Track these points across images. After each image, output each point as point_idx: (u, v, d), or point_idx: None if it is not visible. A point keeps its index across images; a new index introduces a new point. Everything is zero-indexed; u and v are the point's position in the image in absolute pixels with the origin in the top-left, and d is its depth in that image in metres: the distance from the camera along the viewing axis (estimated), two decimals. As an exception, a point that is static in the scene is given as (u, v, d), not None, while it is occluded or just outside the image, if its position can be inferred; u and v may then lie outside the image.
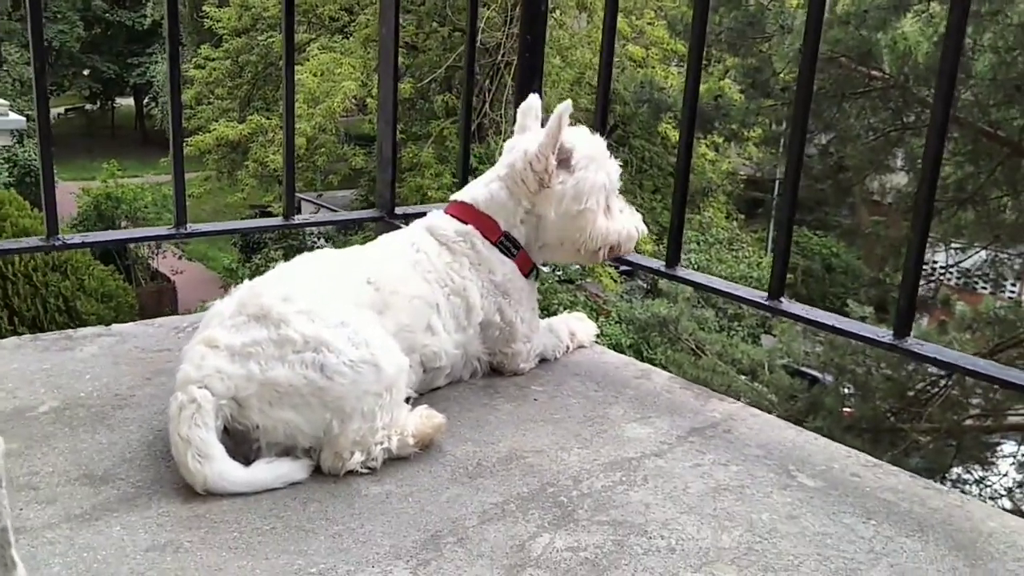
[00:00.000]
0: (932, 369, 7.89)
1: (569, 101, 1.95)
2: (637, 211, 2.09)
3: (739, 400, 2.04)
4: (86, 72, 30.18)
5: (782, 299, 1.91)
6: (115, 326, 2.24)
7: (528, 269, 2.05)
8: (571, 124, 1.96)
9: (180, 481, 1.54)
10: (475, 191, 2.04)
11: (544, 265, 2.14)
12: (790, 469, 1.70)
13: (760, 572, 1.39)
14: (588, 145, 2.00)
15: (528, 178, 1.97)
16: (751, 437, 1.83)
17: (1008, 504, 8.05)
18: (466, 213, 2.01)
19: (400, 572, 1.36)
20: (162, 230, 2.31)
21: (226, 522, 1.46)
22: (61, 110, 32.88)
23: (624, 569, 1.38)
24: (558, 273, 14.45)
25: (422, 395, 1.86)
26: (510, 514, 1.52)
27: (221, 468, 1.52)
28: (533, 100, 2.11)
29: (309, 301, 1.64)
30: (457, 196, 2.06)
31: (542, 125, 2.01)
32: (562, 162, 1.96)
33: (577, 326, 2.26)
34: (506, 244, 2.00)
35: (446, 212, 2.03)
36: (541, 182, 1.96)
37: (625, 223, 2.04)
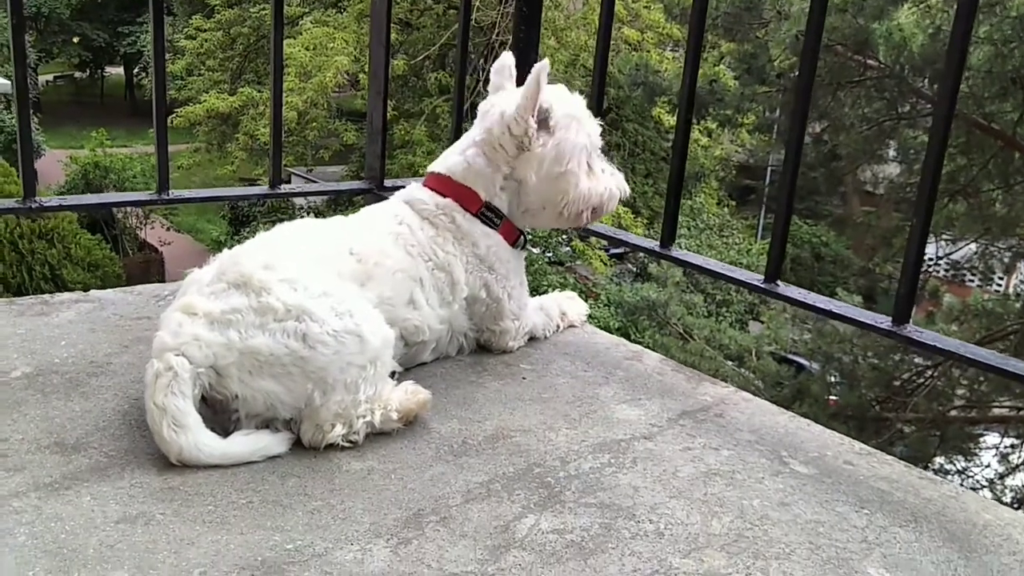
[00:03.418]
0: (918, 360, 7.90)
1: (547, 60, 1.88)
2: (619, 170, 2.01)
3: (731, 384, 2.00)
4: (76, 39, 29.77)
5: (778, 282, 1.87)
6: (93, 292, 2.18)
7: (514, 239, 1.98)
8: (549, 83, 1.88)
9: (154, 452, 1.49)
10: (450, 161, 1.96)
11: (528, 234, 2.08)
12: (782, 455, 1.66)
13: (750, 560, 1.35)
14: (567, 104, 1.93)
15: (506, 142, 1.89)
16: (743, 422, 1.79)
17: (988, 495, 8.10)
18: (444, 185, 1.93)
19: (380, 550, 1.31)
20: (143, 195, 2.25)
21: (201, 495, 1.41)
22: (50, 77, 32.54)
23: (611, 553, 1.35)
24: (548, 255, 14.41)
25: (408, 370, 1.81)
26: (495, 494, 1.47)
27: (197, 438, 1.47)
28: (507, 58, 2.03)
29: (291, 270, 1.59)
30: (433, 167, 1.98)
31: (518, 84, 1.93)
32: (541, 123, 1.88)
33: (568, 305, 2.21)
34: (488, 215, 1.93)
35: (424, 185, 1.96)
36: (520, 145, 1.89)
37: (607, 183, 1.97)
